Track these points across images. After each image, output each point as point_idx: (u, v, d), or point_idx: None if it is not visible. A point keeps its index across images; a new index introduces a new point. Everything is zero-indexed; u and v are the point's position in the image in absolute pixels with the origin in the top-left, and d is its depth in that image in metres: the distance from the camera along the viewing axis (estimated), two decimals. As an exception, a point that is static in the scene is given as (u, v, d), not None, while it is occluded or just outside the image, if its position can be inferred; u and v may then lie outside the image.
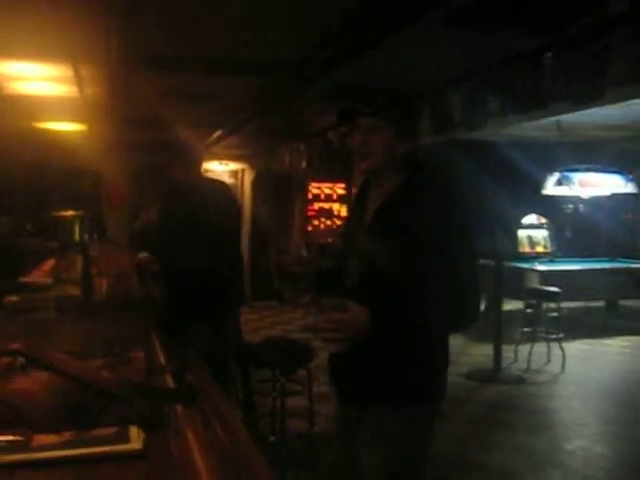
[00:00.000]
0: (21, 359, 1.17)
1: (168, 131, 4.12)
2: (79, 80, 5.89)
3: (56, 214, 3.51)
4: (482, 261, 9.18)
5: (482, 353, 7.35)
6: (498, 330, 6.48)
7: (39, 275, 4.36)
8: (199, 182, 3.82)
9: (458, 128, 5.70)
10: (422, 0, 3.78)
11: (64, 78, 5.84)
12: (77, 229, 3.07)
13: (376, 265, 2.01)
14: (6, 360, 1.17)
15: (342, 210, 10.60)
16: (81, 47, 4.85)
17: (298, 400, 4.26)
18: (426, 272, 1.89)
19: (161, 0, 4.05)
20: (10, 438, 1.08)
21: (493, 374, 6.39)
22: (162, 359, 1.41)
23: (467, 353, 7.44)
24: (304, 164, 8.23)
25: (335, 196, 10.68)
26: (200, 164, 3.89)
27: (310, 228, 10.43)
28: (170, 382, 1.43)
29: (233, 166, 10.71)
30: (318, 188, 10.59)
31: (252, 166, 10.71)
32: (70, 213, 3.25)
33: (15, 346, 1.18)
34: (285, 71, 5.10)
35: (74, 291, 3.01)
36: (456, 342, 7.67)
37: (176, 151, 3.72)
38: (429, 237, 1.93)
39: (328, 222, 10.67)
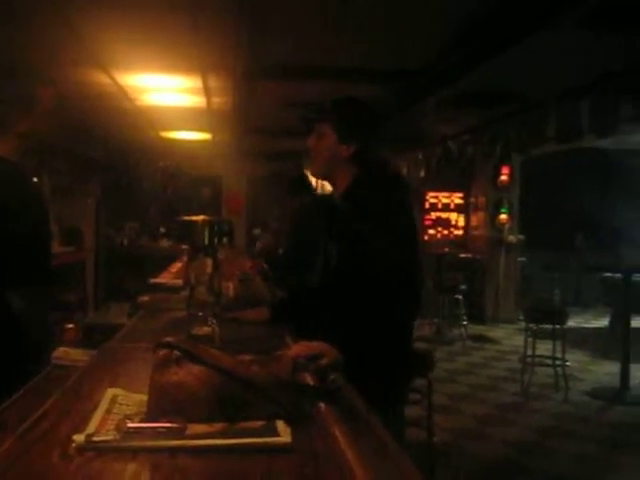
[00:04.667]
0: (176, 352, 1.23)
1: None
2: (207, 90, 6.13)
3: (187, 218, 3.63)
4: (608, 274, 8.79)
5: (606, 371, 7.02)
6: (626, 347, 6.16)
7: (168, 277, 4.56)
8: None
9: (585, 135, 5.51)
10: (551, 3, 3.71)
11: (193, 89, 6.10)
12: (207, 233, 3.18)
13: (331, 265, 2.10)
14: (162, 353, 1.23)
15: (460, 220, 10.47)
16: (211, 59, 5.06)
17: (416, 410, 4.22)
18: (372, 268, 1.94)
19: (287, 13, 4.16)
20: (168, 425, 1.15)
21: (620, 393, 6.06)
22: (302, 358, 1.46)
23: (589, 370, 7.13)
24: (422, 173, 8.17)
25: (452, 205, 10.56)
26: None
27: (426, 237, 10.33)
28: (312, 380, 1.46)
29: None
30: (435, 197, 10.50)
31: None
32: (201, 217, 3.36)
33: (170, 340, 1.25)
34: (408, 79, 5.10)
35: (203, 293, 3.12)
36: (577, 358, 7.37)
37: None
38: (373, 235, 1.96)
39: (445, 232, 10.56)
